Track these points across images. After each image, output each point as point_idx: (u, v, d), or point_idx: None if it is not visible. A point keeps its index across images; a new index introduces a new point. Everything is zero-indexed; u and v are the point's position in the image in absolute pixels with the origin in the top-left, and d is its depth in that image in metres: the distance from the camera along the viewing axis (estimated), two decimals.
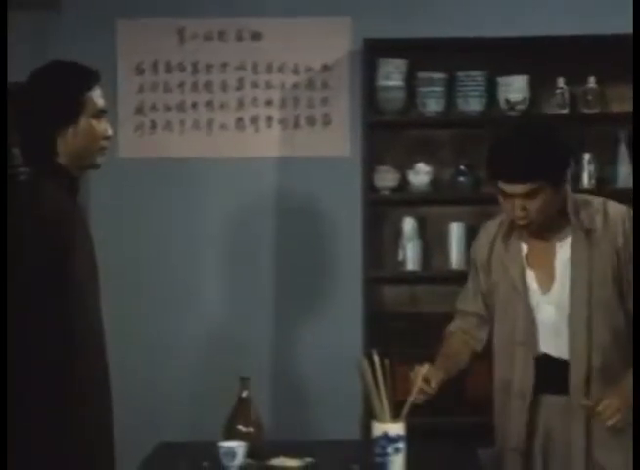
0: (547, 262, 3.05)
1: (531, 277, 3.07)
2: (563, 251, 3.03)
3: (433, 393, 2.98)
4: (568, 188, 3.05)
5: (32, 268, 2.59)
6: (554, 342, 3.03)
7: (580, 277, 2.99)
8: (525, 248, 3.09)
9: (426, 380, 2.96)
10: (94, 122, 2.77)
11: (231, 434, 3.00)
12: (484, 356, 3.22)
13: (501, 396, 3.13)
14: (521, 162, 2.90)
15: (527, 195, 2.91)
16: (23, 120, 2.75)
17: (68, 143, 2.74)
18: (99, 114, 2.78)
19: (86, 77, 2.77)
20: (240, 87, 4.71)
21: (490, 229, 3.20)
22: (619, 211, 3.04)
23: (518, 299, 3.07)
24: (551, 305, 3.04)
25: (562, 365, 3.02)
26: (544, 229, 3.03)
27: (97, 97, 2.78)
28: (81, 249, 2.68)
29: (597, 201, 3.09)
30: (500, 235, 3.13)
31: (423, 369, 2.95)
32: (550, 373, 3.03)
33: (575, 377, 3.00)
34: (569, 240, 3.02)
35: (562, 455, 3.04)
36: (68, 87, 2.74)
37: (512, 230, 3.09)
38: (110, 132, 2.82)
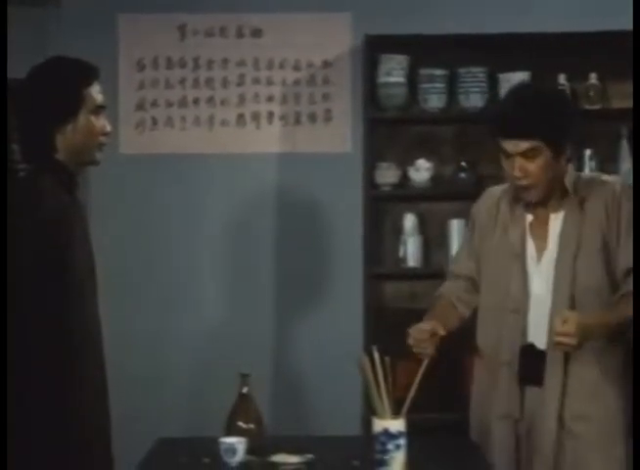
0: (543, 234, 3.05)
1: (531, 246, 3.06)
2: (556, 223, 3.03)
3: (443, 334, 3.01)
4: (571, 167, 3.05)
5: (31, 265, 2.59)
6: (536, 317, 3.01)
7: (568, 247, 2.98)
8: (529, 217, 3.08)
9: (433, 333, 2.99)
10: (93, 118, 2.77)
11: (231, 430, 3.00)
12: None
13: (488, 362, 3.10)
14: (520, 116, 2.92)
15: (526, 155, 2.93)
16: (23, 117, 2.76)
17: (66, 139, 2.74)
18: (98, 110, 2.78)
19: (85, 73, 2.78)
20: (241, 83, 4.71)
21: (494, 193, 3.20)
22: (619, 184, 3.03)
23: (515, 265, 3.05)
24: (541, 277, 3.03)
25: (540, 354, 3.00)
26: (545, 200, 3.03)
27: (96, 93, 2.78)
28: (80, 246, 2.69)
29: (598, 176, 3.13)
30: (505, 200, 3.12)
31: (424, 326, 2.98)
32: (528, 363, 3.01)
33: (551, 362, 2.97)
34: (563, 213, 3.02)
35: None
36: (67, 83, 2.74)
37: (519, 198, 3.08)
38: (109, 128, 2.83)
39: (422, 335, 2.99)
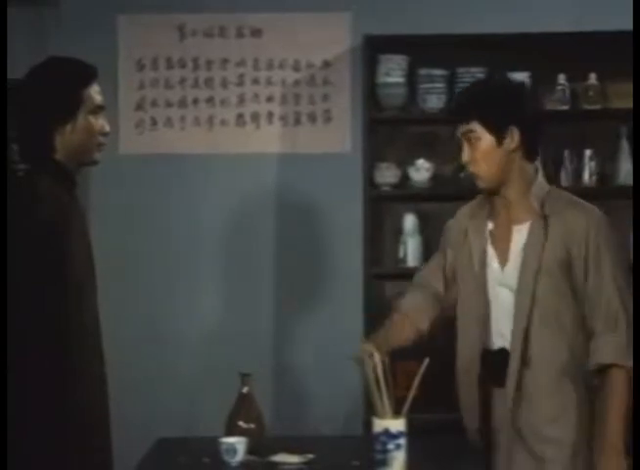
0: (505, 246, 3.03)
1: (492, 255, 3.04)
2: (520, 235, 3.00)
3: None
4: (542, 180, 3.04)
5: (30, 265, 2.59)
6: (505, 326, 2.99)
7: (530, 264, 2.96)
8: (490, 225, 3.07)
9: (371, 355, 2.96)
10: (92, 118, 2.77)
11: (232, 430, 3.00)
12: None
13: (462, 374, 3.08)
14: (460, 100, 3.09)
15: (469, 139, 2.99)
16: (21, 117, 2.76)
17: (65, 139, 2.74)
18: (97, 110, 2.78)
19: (84, 73, 2.78)
20: (240, 83, 4.71)
21: (466, 209, 3.21)
22: (588, 213, 2.99)
23: (476, 275, 3.04)
24: (505, 287, 3.01)
25: (506, 355, 2.98)
26: (508, 208, 3.02)
27: (95, 93, 2.78)
28: (79, 246, 2.68)
29: (570, 196, 3.07)
30: (473, 212, 3.14)
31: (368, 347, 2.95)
32: (495, 364, 2.99)
33: (512, 367, 2.95)
34: (527, 225, 3.00)
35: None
36: (65, 83, 2.74)
37: (482, 207, 3.10)
38: (107, 128, 2.83)
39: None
